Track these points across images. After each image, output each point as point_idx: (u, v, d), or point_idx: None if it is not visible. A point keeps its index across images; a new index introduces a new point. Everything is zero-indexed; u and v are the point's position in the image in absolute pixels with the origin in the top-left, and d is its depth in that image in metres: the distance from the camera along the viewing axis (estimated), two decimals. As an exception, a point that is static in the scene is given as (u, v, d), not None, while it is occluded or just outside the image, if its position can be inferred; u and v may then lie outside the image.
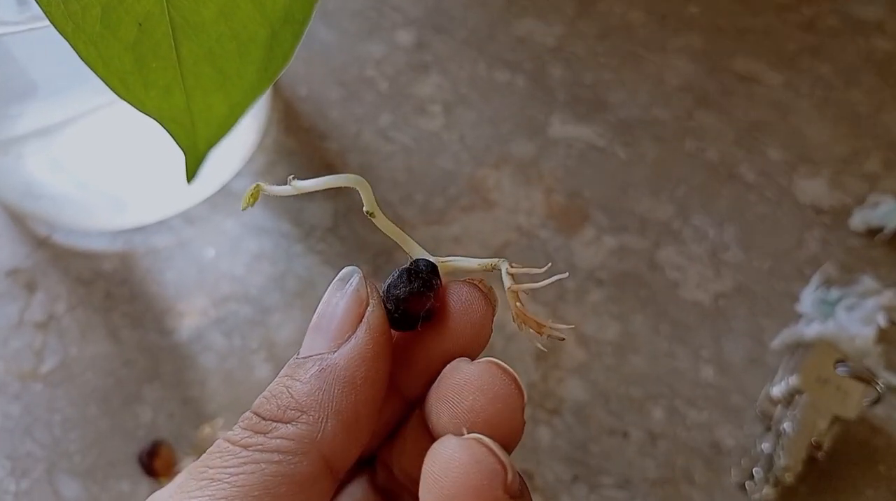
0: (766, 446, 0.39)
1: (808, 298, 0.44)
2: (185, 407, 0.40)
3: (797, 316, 0.43)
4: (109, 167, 0.41)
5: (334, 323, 0.19)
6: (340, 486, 0.22)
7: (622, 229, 0.46)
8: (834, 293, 0.43)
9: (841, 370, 0.39)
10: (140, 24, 0.22)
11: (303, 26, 0.24)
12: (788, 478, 0.37)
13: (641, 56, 0.54)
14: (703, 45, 0.55)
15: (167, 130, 0.25)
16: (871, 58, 0.54)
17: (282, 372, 0.20)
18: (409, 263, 0.21)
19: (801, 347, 0.41)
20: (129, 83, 0.23)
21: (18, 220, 0.44)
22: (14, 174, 0.40)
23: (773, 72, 0.54)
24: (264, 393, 0.19)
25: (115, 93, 0.24)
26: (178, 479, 0.18)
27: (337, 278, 0.20)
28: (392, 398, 0.21)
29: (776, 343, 0.42)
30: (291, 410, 0.18)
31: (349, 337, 0.19)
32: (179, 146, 0.26)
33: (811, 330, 0.42)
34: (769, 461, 0.38)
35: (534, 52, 0.53)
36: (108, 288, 0.42)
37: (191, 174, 0.27)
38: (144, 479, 0.38)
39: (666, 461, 0.39)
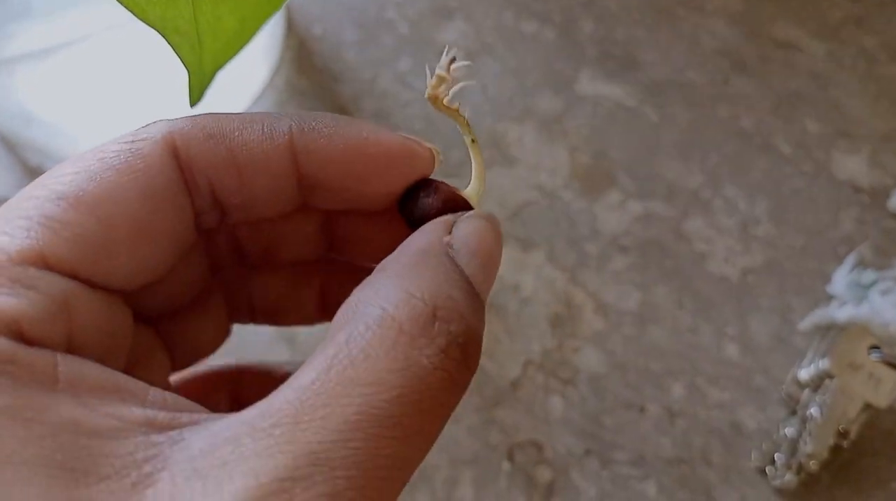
0: (789, 431, 0.36)
1: (842, 280, 0.41)
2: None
3: (828, 297, 0.41)
4: (106, 95, 0.38)
5: None
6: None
7: (649, 195, 0.43)
8: (868, 275, 0.41)
9: (875, 356, 0.37)
10: (145, -83, 0.20)
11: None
12: (813, 466, 0.35)
13: (678, 15, 0.51)
14: (743, 8, 0.51)
15: (170, 44, 0.22)
16: (919, 31, 0.51)
17: None
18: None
19: (831, 330, 0.39)
20: (129, -15, 0.21)
21: (10, 148, 0.41)
22: (6, 96, 0.37)
23: (814, 40, 0.51)
24: None
25: (114, -5, 0.21)
26: None
27: None
28: None
29: (805, 324, 0.40)
30: None
31: None
32: (183, 62, 0.23)
33: (843, 312, 0.39)
34: (793, 446, 0.36)
35: (564, 3, 0.50)
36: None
37: (195, 96, 0.24)
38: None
39: (683, 440, 0.37)
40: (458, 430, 0.36)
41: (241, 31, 0.23)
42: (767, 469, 0.36)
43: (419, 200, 0.18)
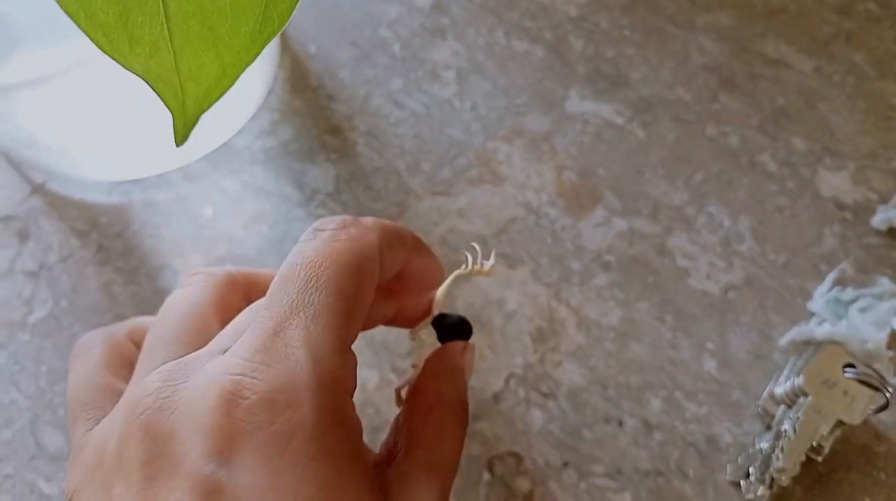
0: (764, 445, 0.37)
1: (821, 297, 0.42)
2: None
3: (809, 314, 0.42)
4: (106, 118, 0.40)
5: None
6: None
7: (634, 212, 0.44)
8: (849, 293, 0.42)
9: (849, 373, 0.38)
10: (126, -25, 0.21)
11: (302, -15, 0.22)
12: (784, 481, 0.36)
13: (667, 31, 0.52)
14: (733, 24, 0.52)
15: (154, 89, 0.24)
16: (908, 47, 0.52)
17: None
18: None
19: (809, 347, 0.40)
20: (112, 38, 0.22)
21: (14, 165, 0.43)
22: (7, 121, 0.39)
23: (803, 56, 0.51)
24: None
25: (98, 47, 0.22)
26: None
27: None
28: None
29: (784, 341, 0.41)
30: None
31: None
32: (167, 107, 0.24)
33: (821, 330, 0.40)
34: (766, 461, 0.37)
35: (555, 21, 0.51)
36: (101, 240, 0.41)
37: (179, 137, 0.26)
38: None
39: (660, 453, 0.38)
40: (442, 443, 0.37)
41: (223, 77, 0.24)
42: (742, 482, 0.37)
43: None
